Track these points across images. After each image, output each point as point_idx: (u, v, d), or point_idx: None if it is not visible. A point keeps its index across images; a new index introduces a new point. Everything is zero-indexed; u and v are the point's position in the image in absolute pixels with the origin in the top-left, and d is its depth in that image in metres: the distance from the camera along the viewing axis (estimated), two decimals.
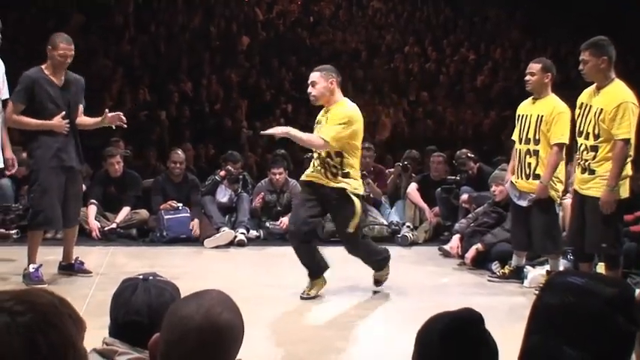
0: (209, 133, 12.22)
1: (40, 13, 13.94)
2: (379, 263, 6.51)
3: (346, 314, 5.87)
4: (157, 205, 8.96)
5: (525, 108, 6.84)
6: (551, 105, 6.63)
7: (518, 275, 7.02)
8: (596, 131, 5.89)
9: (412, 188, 9.50)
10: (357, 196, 6.12)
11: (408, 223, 9.22)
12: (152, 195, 9.11)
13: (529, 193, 6.68)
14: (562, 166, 6.70)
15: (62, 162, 6.47)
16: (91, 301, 5.79)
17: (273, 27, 16.67)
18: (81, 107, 6.70)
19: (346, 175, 6.08)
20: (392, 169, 10.21)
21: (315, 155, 6.24)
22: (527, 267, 7.03)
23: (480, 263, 7.61)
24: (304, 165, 7.62)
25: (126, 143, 10.20)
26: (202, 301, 1.91)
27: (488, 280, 7.15)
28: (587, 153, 5.97)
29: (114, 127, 6.74)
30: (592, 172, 5.95)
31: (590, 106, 5.96)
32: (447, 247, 8.19)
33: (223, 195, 9.18)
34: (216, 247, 8.49)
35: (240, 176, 9.33)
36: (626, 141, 5.77)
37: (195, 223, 8.82)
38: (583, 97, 6.11)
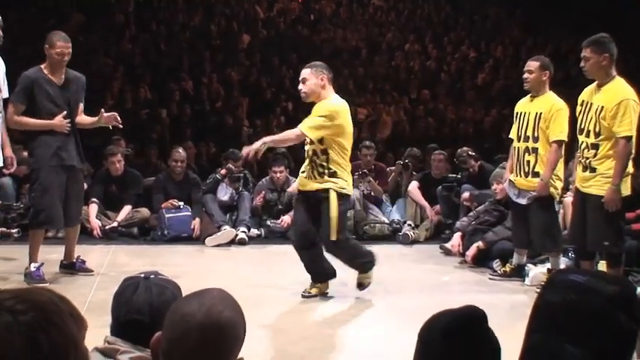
0: (210, 131, 12.23)
1: (40, 13, 13.94)
2: (364, 266, 6.37)
3: (347, 312, 5.87)
4: (158, 204, 8.96)
5: (523, 106, 6.84)
6: (550, 102, 6.64)
7: (519, 273, 7.02)
8: (597, 129, 5.89)
9: (413, 186, 9.49)
10: (342, 196, 6.05)
11: (409, 222, 9.22)
12: (153, 193, 9.11)
13: (528, 190, 6.68)
14: (561, 163, 6.71)
15: (62, 161, 6.47)
16: (93, 300, 5.80)
17: (274, 25, 16.67)
18: (81, 106, 6.70)
19: (333, 175, 6.01)
20: (393, 168, 10.20)
21: (306, 155, 6.22)
22: (529, 265, 7.03)
23: (481, 261, 7.61)
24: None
25: (127, 142, 10.20)
26: (204, 299, 1.91)
27: (490, 279, 7.15)
28: (588, 151, 5.97)
29: (111, 127, 6.73)
30: (593, 170, 5.95)
31: (591, 103, 5.96)
32: (448, 245, 8.19)
33: (224, 193, 9.19)
34: (218, 245, 8.49)
35: (241, 175, 9.33)
36: (628, 138, 5.76)
37: (196, 222, 8.82)
38: (584, 95, 6.11)
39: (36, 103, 6.42)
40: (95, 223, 8.61)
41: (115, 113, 6.58)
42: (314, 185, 6.05)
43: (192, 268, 7.16)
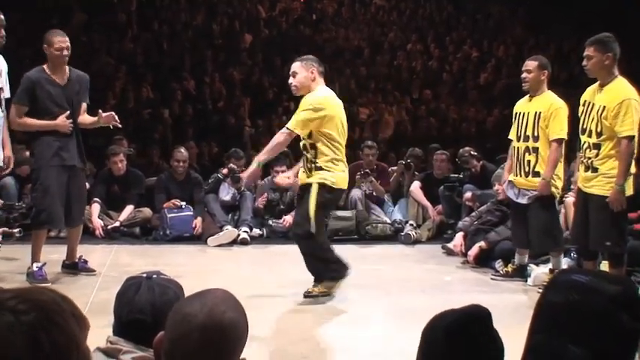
0: (212, 131, 12.23)
1: (42, 13, 13.94)
2: (324, 274, 6.12)
3: (349, 312, 5.87)
4: (160, 204, 8.97)
5: (522, 106, 6.85)
6: (549, 101, 6.65)
7: (521, 274, 7.01)
8: (599, 129, 5.88)
9: (415, 186, 9.49)
10: (327, 187, 5.95)
11: (411, 222, 9.21)
12: (155, 193, 9.11)
13: (528, 190, 6.68)
14: (561, 162, 6.71)
15: (63, 161, 6.47)
16: (95, 300, 5.80)
17: (276, 25, 16.67)
18: (84, 105, 6.69)
19: (319, 169, 5.96)
20: (395, 167, 10.19)
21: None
22: (531, 265, 7.02)
23: (484, 261, 7.60)
24: None
25: (129, 142, 10.21)
26: (206, 300, 1.91)
27: (492, 279, 7.14)
28: (590, 151, 5.96)
29: (111, 127, 6.73)
30: (595, 170, 5.94)
31: (593, 103, 5.95)
32: (450, 245, 8.18)
33: (226, 193, 9.19)
34: (220, 245, 8.50)
35: None
36: (630, 138, 5.75)
37: (198, 222, 8.82)
38: (586, 95, 6.11)
39: (38, 103, 6.42)
40: (97, 222, 8.62)
41: (113, 113, 6.57)
42: (305, 180, 6.05)
43: (194, 268, 7.16)
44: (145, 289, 2.47)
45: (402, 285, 6.78)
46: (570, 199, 7.54)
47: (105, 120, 6.52)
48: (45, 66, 6.50)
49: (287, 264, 7.12)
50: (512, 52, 16.93)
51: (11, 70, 6.47)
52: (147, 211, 9.05)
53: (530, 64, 6.75)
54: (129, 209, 8.95)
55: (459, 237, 8.14)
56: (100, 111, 6.56)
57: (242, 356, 1.92)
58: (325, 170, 5.95)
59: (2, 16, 6.13)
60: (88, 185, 7.53)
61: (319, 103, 5.92)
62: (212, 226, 8.77)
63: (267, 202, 9.22)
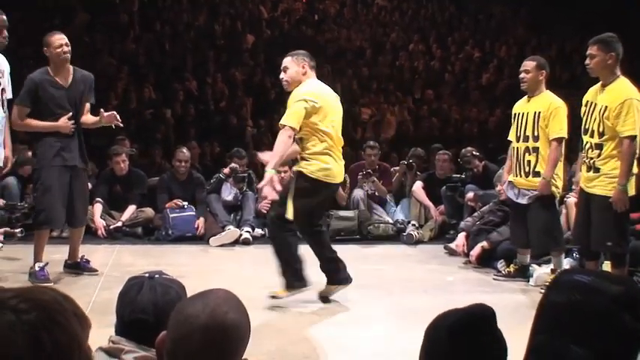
0: (214, 131, 12.23)
1: (43, 12, 13.94)
2: (287, 278, 5.94)
3: (351, 312, 5.86)
4: (162, 204, 8.98)
5: (521, 106, 6.87)
6: (548, 101, 6.66)
7: (523, 274, 7.01)
8: (601, 129, 5.88)
9: (417, 186, 9.49)
10: (302, 176, 5.80)
11: (413, 222, 9.21)
12: (157, 193, 9.12)
13: (528, 190, 6.69)
14: (561, 161, 6.71)
15: (65, 161, 6.47)
16: (97, 300, 5.80)
17: (278, 25, 16.67)
18: (87, 106, 6.70)
19: (302, 159, 5.85)
20: (397, 168, 10.19)
21: None
22: (533, 265, 7.02)
23: (486, 261, 7.60)
24: None
25: (131, 142, 10.22)
26: (208, 300, 1.91)
27: (494, 279, 7.13)
28: (592, 151, 5.96)
29: (113, 127, 6.73)
30: (597, 170, 5.95)
31: (595, 104, 5.95)
32: (452, 245, 8.18)
33: (229, 193, 9.19)
34: (222, 245, 8.50)
35: (246, 175, 9.33)
36: (632, 138, 5.75)
37: (200, 222, 8.83)
38: (588, 96, 6.11)
39: (41, 105, 6.42)
40: (99, 222, 8.63)
41: (115, 112, 6.58)
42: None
43: (196, 268, 7.16)
44: (148, 288, 2.48)
45: (404, 285, 6.78)
46: (572, 199, 7.53)
47: (107, 119, 6.52)
48: (49, 67, 6.51)
49: None
50: (514, 52, 16.92)
51: (12, 70, 6.48)
52: (149, 211, 9.05)
53: (529, 64, 6.77)
54: (131, 209, 8.96)
55: (461, 237, 8.14)
56: (102, 110, 6.56)
57: (244, 357, 1.92)
58: (306, 160, 5.82)
59: (5, 17, 6.13)
60: (90, 185, 7.53)
61: (307, 94, 5.75)
62: (214, 226, 8.78)
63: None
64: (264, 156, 6.23)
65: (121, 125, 6.72)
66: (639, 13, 15.38)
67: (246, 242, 8.59)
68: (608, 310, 1.73)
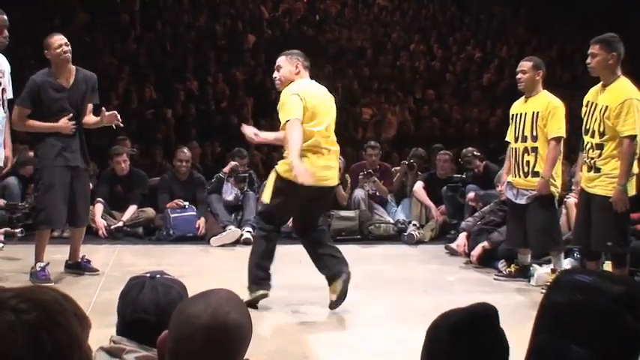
0: (215, 131, 12.24)
1: (43, 12, 13.95)
2: (253, 279, 5.79)
3: (351, 312, 5.86)
4: (163, 204, 8.98)
5: (519, 107, 6.89)
6: (546, 100, 6.68)
7: (524, 274, 7.01)
8: (602, 129, 5.89)
9: (418, 186, 9.49)
10: (278, 175, 5.69)
11: (414, 222, 9.22)
12: (158, 193, 9.13)
13: (527, 190, 6.69)
14: (560, 161, 6.72)
15: (67, 161, 6.47)
16: (98, 300, 5.80)
17: (279, 25, 16.67)
18: (90, 106, 6.69)
19: (282, 158, 5.80)
20: (398, 168, 10.20)
21: None
22: (534, 265, 7.02)
23: (487, 261, 7.60)
24: None
25: (132, 142, 10.22)
26: (210, 300, 1.91)
27: (495, 279, 7.14)
28: (593, 151, 5.97)
29: (114, 127, 6.72)
30: (598, 170, 5.95)
31: (596, 104, 5.96)
32: (453, 245, 8.18)
33: (229, 193, 9.19)
34: (223, 245, 8.50)
35: (247, 175, 9.33)
36: (632, 138, 5.76)
37: (201, 222, 8.83)
38: (589, 96, 6.12)
39: (42, 106, 6.42)
40: (100, 222, 8.63)
41: (115, 112, 6.57)
42: None
43: (197, 268, 7.16)
44: (149, 288, 2.48)
45: (405, 285, 6.78)
46: (572, 199, 7.54)
47: (108, 119, 6.52)
48: (51, 69, 6.50)
49: (289, 264, 7.10)
50: (515, 52, 16.91)
51: (13, 70, 6.48)
52: (150, 211, 9.06)
53: (525, 64, 6.80)
54: (132, 209, 8.96)
55: (462, 237, 8.14)
56: (104, 109, 6.56)
57: (245, 357, 1.92)
58: (284, 159, 5.73)
59: (5, 17, 6.13)
60: (91, 185, 7.53)
61: (296, 92, 5.63)
62: (215, 226, 8.78)
63: None
64: (248, 129, 6.19)
65: (122, 125, 6.71)
66: (639, 13, 15.38)
67: (247, 242, 8.56)
68: (609, 310, 1.73)
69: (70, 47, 6.46)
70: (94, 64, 11.36)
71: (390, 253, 8.49)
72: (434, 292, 6.56)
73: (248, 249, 8.37)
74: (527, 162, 6.69)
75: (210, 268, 7.45)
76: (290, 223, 8.70)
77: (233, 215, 9.11)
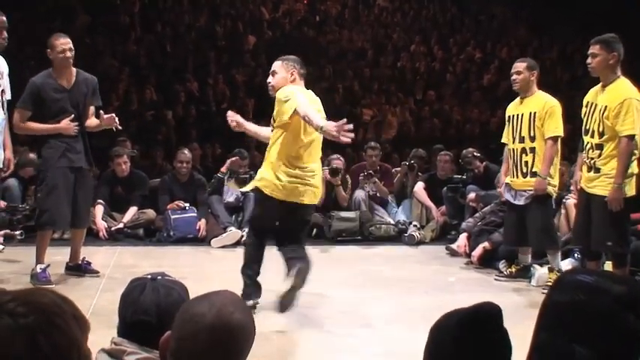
0: (216, 132, 12.22)
1: (44, 14, 13.95)
2: (241, 294, 5.55)
3: (352, 313, 5.86)
4: (163, 205, 8.98)
5: (515, 108, 6.93)
6: (542, 100, 6.71)
7: (525, 274, 7.02)
8: (601, 129, 5.90)
9: (419, 187, 9.50)
10: (261, 192, 5.59)
11: (414, 222, 9.21)
12: (159, 195, 9.13)
13: (525, 190, 6.71)
14: (557, 160, 6.73)
15: (71, 162, 6.48)
16: (99, 301, 5.79)
17: (280, 26, 16.67)
18: (92, 109, 6.68)
19: (264, 167, 5.69)
20: (398, 168, 10.20)
21: None
22: (535, 266, 7.03)
23: (487, 262, 7.61)
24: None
25: (133, 143, 10.22)
26: (214, 300, 1.91)
27: (495, 279, 7.14)
28: (593, 151, 5.98)
29: (114, 129, 6.72)
30: (597, 170, 5.96)
31: (596, 104, 5.98)
32: (454, 245, 8.18)
33: (230, 194, 9.19)
34: (223, 246, 8.50)
35: (247, 176, 9.32)
36: (631, 137, 5.77)
37: (202, 223, 8.83)
38: (589, 97, 6.13)
39: (43, 107, 6.43)
40: (101, 224, 8.62)
41: (114, 115, 6.56)
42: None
43: (198, 270, 7.16)
44: (150, 290, 2.48)
45: (406, 286, 6.77)
46: (571, 200, 7.54)
47: (106, 122, 6.52)
48: (51, 70, 6.51)
49: None
50: (515, 53, 16.88)
51: (13, 71, 6.48)
52: (150, 213, 9.05)
53: (519, 65, 6.84)
54: (132, 211, 8.96)
55: (462, 238, 8.14)
56: (102, 112, 6.56)
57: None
58: (267, 172, 5.63)
59: (4, 18, 6.13)
60: None
61: (290, 93, 5.42)
62: (216, 228, 8.77)
63: None
64: (232, 116, 6.08)
65: (120, 128, 6.71)
66: (639, 14, 15.38)
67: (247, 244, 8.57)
68: (611, 310, 1.73)
69: (73, 52, 6.47)
70: (94, 65, 11.38)
71: (390, 253, 8.48)
72: (434, 292, 6.56)
73: None
74: (526, 162, 6.71)
75: (211, 269, 7.45)
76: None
77: (234, 216, 9.10)
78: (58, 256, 6.92)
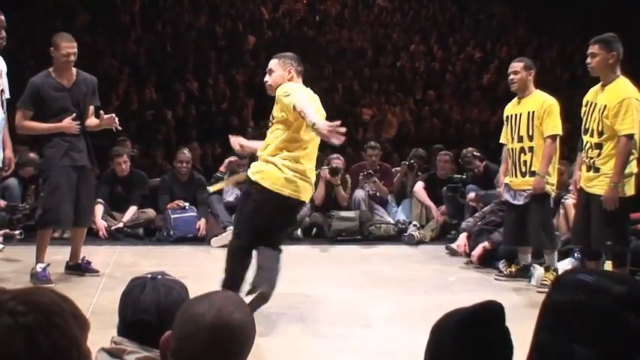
0: (215, 132, 12.22)
1: (44, 13, 13.95)
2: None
3: (352, 313, 5.86)
4: (163, 205, 8.98)
5: (513, 108, 6.95)
6: (540, 99, 6.73)
7: (525, 274, 7.02)
8: (600, 128, 5.91)
9: (419, 187, 9.50)
10: (265, 190, 5.38)
11: (414, 222, 9.21)
12: (159, 194, 9.13)
13: (524, 189, 6.71)
14: (555, 159, 6.73)
15: (74, 161, 6.48)
16: (99, 300, 5.79)
17: (279, 26, 16.68)
18: (91, 109, 6.68)
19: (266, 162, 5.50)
20: (398, 168, 10.20)
21: None
22: (535, 265, 7.03)
23: (487, 262, 7.61)
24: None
25: (133, 143, 10.22)
26: (214, 300, 1.92)
27: (495, 279, 7.14)
28: (592, 151, 5.98)
29: (114, 130, 6.72)
30: (597, 169, 5.96)
31: (595, 103, 5.98)
32: (454, 245, 8.18)
33: (230, 194, 9.19)
34: (223, 246, 8.46)
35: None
36: (630, 136, 5.78)
37: (201, 223, 8.83)
38: (588, 96, 6.13)
39: (44, 106, 6.43)
40: (101, 223, 8.62)
41: (113, 115, 6.56)
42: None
43: (198, 269, 7.15)
44: (150, 289, 2.47)
45: (406, 285, 6.77)
46: (570, 200, 7.54)
47: (106, 122, 6.52)
48: (51, 69, 6.51)
49: (289, 264, 7.09)
50: (515, 52, 16.86)
51: (13, 71, 6.48)
52: (150, 212, 9.05)
53: (516, 65, 6.86)
54: (132, 210, 8.96)
55: (462, 237, 8.14)
56: (102, 112, 6.57)
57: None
58: (269, 165, 5.45)
59: (3, 17, 6.12)
60: None
61: (289, 89, 5.33)
62: (216, 227, 8.78)
63: None
64: (234, 140, 6.12)
65: (120, 128, 6.71)
66: (639, 13, 15.38)
67: None
68: (611, 309, 1.73)
69: (76, 56, 6.47)
70: (94, 65, 11.39)
71: (390, 253, 8.49)
72: (434, 292, 6.56)
73: None
74: (525, 162, 6.72)
75: (211, 268, 7.40)
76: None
77: (234, 216, 9.09)
78: (58, 256, 6.92)
